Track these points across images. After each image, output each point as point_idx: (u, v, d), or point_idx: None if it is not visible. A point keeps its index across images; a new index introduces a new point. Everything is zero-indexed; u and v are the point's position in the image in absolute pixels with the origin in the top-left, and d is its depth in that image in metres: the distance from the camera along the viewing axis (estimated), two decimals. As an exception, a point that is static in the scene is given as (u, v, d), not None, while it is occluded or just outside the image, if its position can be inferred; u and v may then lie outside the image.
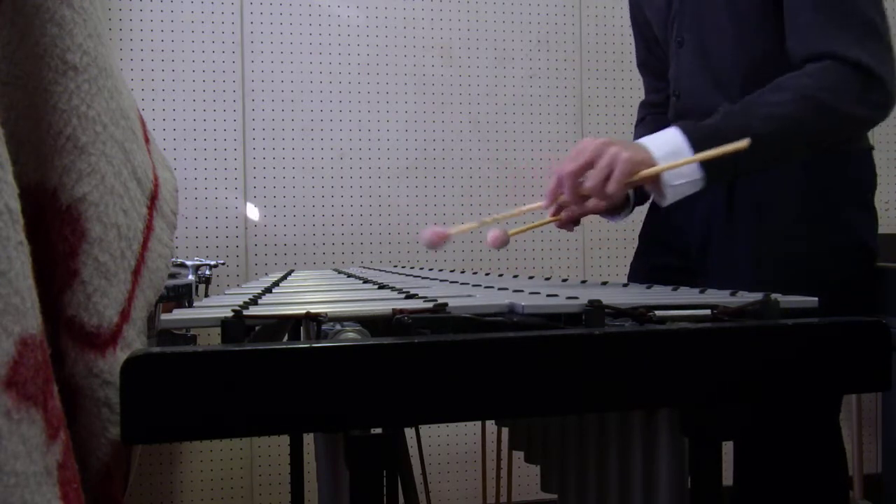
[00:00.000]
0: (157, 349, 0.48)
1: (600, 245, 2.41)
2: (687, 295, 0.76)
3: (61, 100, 0.54)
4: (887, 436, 2.21)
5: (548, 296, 0.72)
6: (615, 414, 0.66)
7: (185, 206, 2.09)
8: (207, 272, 1.72)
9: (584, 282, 1.10)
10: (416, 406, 0.51)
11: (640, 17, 1.37)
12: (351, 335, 0.56)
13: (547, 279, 1.17)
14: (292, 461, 1.34)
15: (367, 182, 2.26)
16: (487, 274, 1.43)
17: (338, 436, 0.70)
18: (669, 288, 0.86)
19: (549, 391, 0.53)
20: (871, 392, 1.14)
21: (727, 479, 0.70)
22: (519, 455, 0.91)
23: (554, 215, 1.09)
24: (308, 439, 1.64)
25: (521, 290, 0.80)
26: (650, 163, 0.98)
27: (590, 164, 0.98)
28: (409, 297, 0.74)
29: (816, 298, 0.69)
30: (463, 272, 1.44)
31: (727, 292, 0.75)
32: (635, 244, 1.39)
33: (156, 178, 0.67)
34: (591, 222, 2.35)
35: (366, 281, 1.08)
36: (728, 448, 0.66)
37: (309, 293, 0.89)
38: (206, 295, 1.76)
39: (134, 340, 0.59)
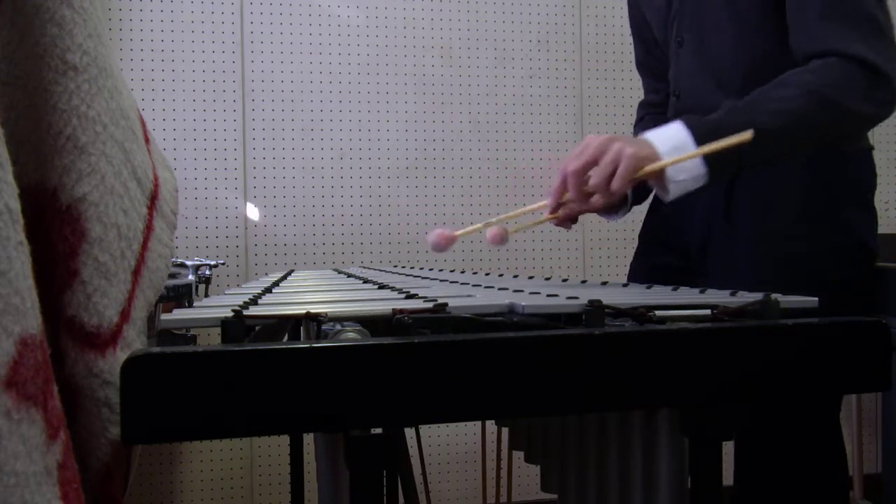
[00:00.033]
0: (157, 349, 0.48)
1: (600, 245, 2.41)
2: (687, 295, 0.76)
3: (61, 100, 0.54)
4: (887, 436, 2.21)
5: (548, 296, 0.72)
6: (615, 414, 0.66)
7: (185, 206, 2.09)
8: (207, 272, 1.72)
9: (584, 282, 1.10)
10: (416, 406, 0.51)
11: (638, 17, 1.37)
12: (351, 335, 0.56)
13: (547, 279, 1.17)
14: (292, 461, 1.34)
15: (367, 182, 2.26)
16: (487, 274, 1.43)
17: (338, 436, 0.70)
18: (669, 288, 0.86)
19: (549, 391, 0.53)
20: (871, 392, 1.14)
21: (727, 479, 0.70)
22: (519, 455, 0.91)
23: (552, 213, 1.09)
24: (308, 439, 1.64)
25: (521, 290, 0.80)
26: (654, 158, 0.98)
27: (594, 162, 0.98)
28: (409, 297, 0.74)
29: (816, 298, 0.69)
30: (463, 272, 1.44)
31: (727, 292, 0.75)
32: (635, 244, 1.39)
33: (156, 178, 0.67)
34: (591, 222, 2.35)
35: (366, 281, 1.08)
36: (728, 448, 0.66)
37: (309, 293, 0.89)
38: (206, 295, 1.76)
39: (134, 340, 0.59)
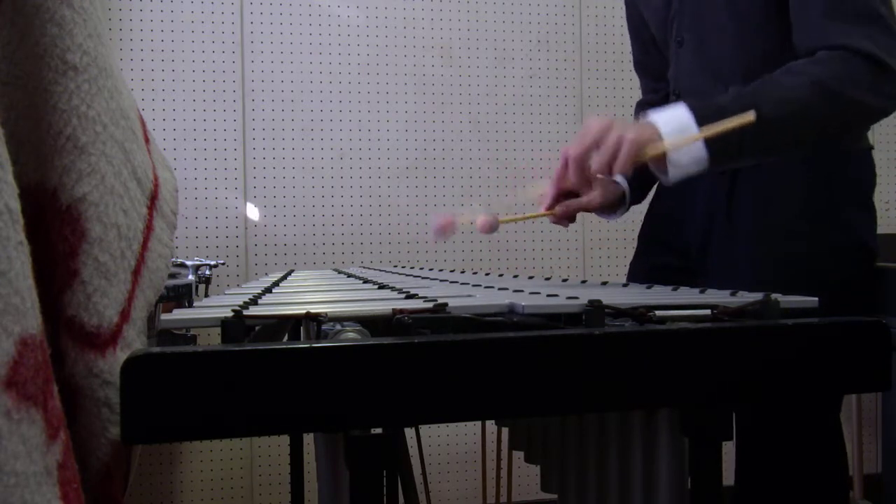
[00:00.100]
0: (157, 349, 0.48)
1: (600, 245, 2.41)
2: (687, 295, 0.76)
3: (61, 100, 0.54)
4: (887, 436, 2.21)
5: (548, 296, 0.72)
6: (615, 414, 0.66)
7: (185, 206, 2.09)
8: (207, 272, 1.72)
9: (584, 282, 1.10)
10: (416, 406, 0.51)
11: (636, 16, 1.37)
12: (351, 335, 0.56)
13: (547, 279, 1.17)
14: (292, 461, 1.34)
15: (367, 182, 2.26)
16: (487, 274, 1.43)
17: (338, 436, 0.70)
18: (669, 288, 0.86)
19: (549, 391, 0.53)
20: (871, 392, 1.14)
21: (727, 479, 0.70)
22: (519, 455, 0.91)
23: (549, 209, 1.09)
24: (308, 439, 1.64)
25: (521, 290, 0.80)
26: (656, 139, 0.98)
27: (596, 145, 0.98)
28: (409, 297, 0.74)
29: (816, 298, 0.69)
30: (463, 272, 1.44)
31: (727, 292, 0.75)
32: (635, 244, 1.39)
33: (156, 178, 0.67)
34: (591, 222, 2.35)
35: (366, 281, 1.08)
36: (728, 448, 0.66)
37: (309, 293, 0.89)
38: (206, 295, 1.76)
39: (134, 340, 0.59)
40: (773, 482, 1.11)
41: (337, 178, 2.24)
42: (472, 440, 2.27)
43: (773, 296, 0.65)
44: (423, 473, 1.69)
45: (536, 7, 2.37)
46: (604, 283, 1.03)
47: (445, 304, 0.63)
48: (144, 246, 0.62)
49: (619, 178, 1.28)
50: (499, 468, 1.77)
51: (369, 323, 0.62)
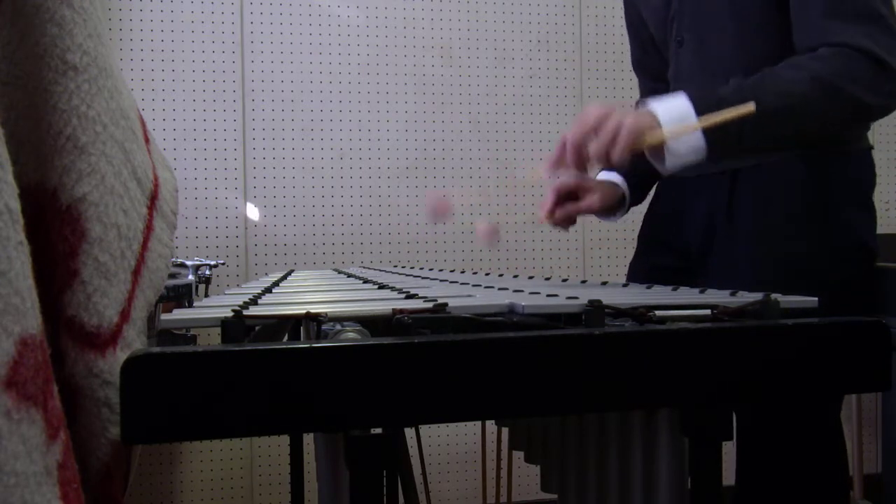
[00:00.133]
0: (157, 349, 0.48)
1: (600, 245, 2.41)
2: (687, 295, 0.76)
3: (61, 100, 0.54)
4: (887, 436, 2.21)
5: (548, 296, 0.72)
6: (615, 414, 0.66)
7: (185, 206, 2.09)
8: (207, 272, 1.72)
9: (584, 282, 1.10)
10: (416, 406, 0.51)
11: (635, 16, 1.37)
12: (351, 335, 0.56)
13: (547, 279, 1.17)
14: (292, 461, 1.34)
15: (367, 182, 2.26)
16: (487, 274, 1.43)
17: (338, 436, 0.70)
18: (669, 288, 0.86)
19: (549, 391, 0.53)
20: (871, 392, 1.14)
21: (727, 479, 0.70)
22: (519, 455, 0.91)
23: (549, 214, 1.09)
24: (308, 439, 1.64)
25: (521, 290, 0.80)
26: (654, 127, 0.98)
27: (594, 131, 0.98)
28: (409, 297, 0.74)
29: (816, 298, 0.69)
30: (463, 272, 1.44)
31: (727, 292, 0.75)
32: (635, 244, 1.39)
33: (156, 178, 0.67)
34: (591, 222, 2.35)
35: (366, 281, 1.08)
36: (728, 448, 0.66)
37: (309, 293, 0.89)
38: (206, 295, 1.76)
39: (134, 340, 0.59)
40: (773, 482, 1.11)
41: (337, 178, 2.24)
42: (472, 440, 2.27)
43: (773, 296, 0.65)
44: (423, 473, 1.69)
45: (536, 7, 2.37)
46: (604, 283, 1.02)
47: (445, 304, 0.63)
48: (144, 246, 0.62)
49: (618, 180, 1.28)
50: (499, 468, 1.77)
51: (369, 323, 0.62)
